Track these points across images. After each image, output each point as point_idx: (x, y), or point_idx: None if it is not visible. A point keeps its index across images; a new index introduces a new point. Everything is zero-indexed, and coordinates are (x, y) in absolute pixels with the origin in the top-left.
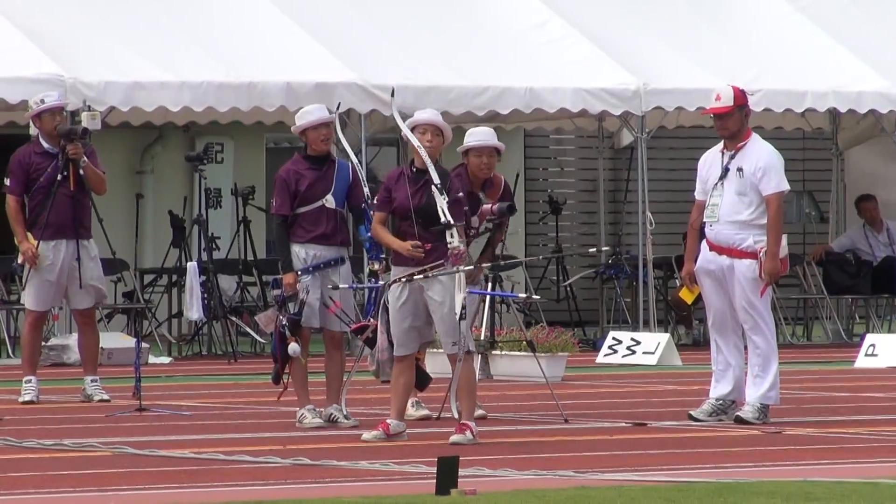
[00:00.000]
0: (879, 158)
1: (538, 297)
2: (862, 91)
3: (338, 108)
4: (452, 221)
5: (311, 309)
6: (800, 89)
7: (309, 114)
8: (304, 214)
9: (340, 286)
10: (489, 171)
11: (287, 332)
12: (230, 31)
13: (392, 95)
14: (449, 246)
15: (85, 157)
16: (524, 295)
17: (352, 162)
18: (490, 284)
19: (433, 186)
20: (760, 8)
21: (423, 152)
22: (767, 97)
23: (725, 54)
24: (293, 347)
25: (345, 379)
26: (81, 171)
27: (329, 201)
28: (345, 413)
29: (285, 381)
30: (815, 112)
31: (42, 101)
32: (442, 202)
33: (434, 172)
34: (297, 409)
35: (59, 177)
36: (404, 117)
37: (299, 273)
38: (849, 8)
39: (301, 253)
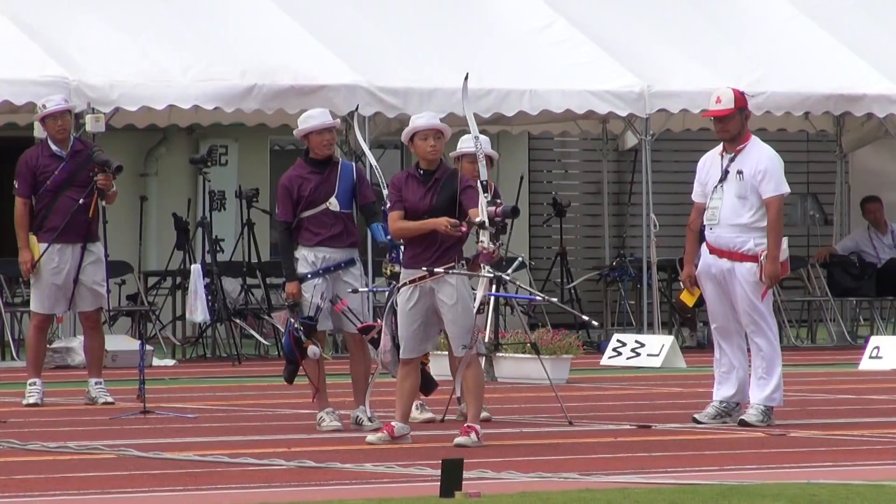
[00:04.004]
0: (884, 160)
1: (556, 300)
2: (866, 93)
3: (356, 110)
4: (488, 223)
5: (324, 312)
6: (804, 91)
7: (311, 118)
8: (310, 218)
9: (360, 290)
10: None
11: (302, 336)
12: (235, 34)
13: (465, 79)
14: (480, 245)
15: (114, 186)
16: (541, 296)
17: (370, 164)
18: (493, 286)
19: (479, 183)
20: (765, 10)
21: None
22: (771, 99)
23: (730, 56)
24: (312, 350)
25: (369, 381)
26: (103, 203)
27: (333, 204)
28: (369, 415)
29: (310, 381)
30: (819, 114)
31: (45, 106)
32: (483, 201)
33: (484, 172)
34: (317, 412)
35: (66, 179)
36: (405, 122)
37: (309, 276)
38: (854, 10)
39: (310, 256)
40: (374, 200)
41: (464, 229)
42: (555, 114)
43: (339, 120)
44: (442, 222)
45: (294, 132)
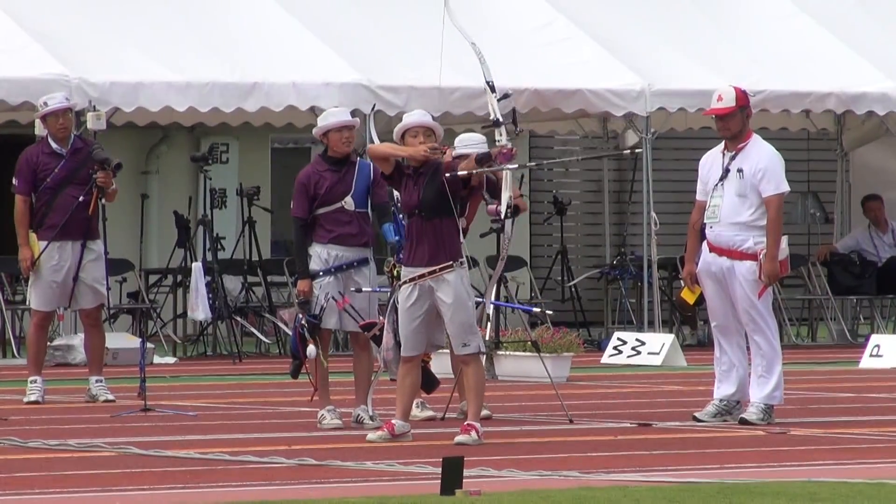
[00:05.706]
0: (884, 159)
1: (551, 311)
2: (867, 92)
3: (372, 110)
4: (501, 119)
5: (330, 310)
6: (804, 90)
7: (332, 115)
8: (325, 215)
9: (364, 289)
10: (478, 178)
11: (306, 334)
12: (235, 32)
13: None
14: (497, 144)
15: (113, 184)
16: (537, 309)
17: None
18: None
19: (486, 83)
20: (766, 8)
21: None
22: (772, 98)
23: (730, 55)
24: (311, 350)
25: (372, 379)
26: (103, 200)
27: (348, 203)
28: (371, 414)
29: (311, 380)
30: (820, 113)
31: (46, 104)
32: (493, 99)
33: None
34: (318, 409)
35: (66, 177)
36: (401, 116)
37: (321, 274)
38: (854, 9)
39: (322, 254)
40: (387, 201)
41: (446, 149)
42: (554, 112)
43: (357, 119)
44: (420, 149)
45: (313, 130)
